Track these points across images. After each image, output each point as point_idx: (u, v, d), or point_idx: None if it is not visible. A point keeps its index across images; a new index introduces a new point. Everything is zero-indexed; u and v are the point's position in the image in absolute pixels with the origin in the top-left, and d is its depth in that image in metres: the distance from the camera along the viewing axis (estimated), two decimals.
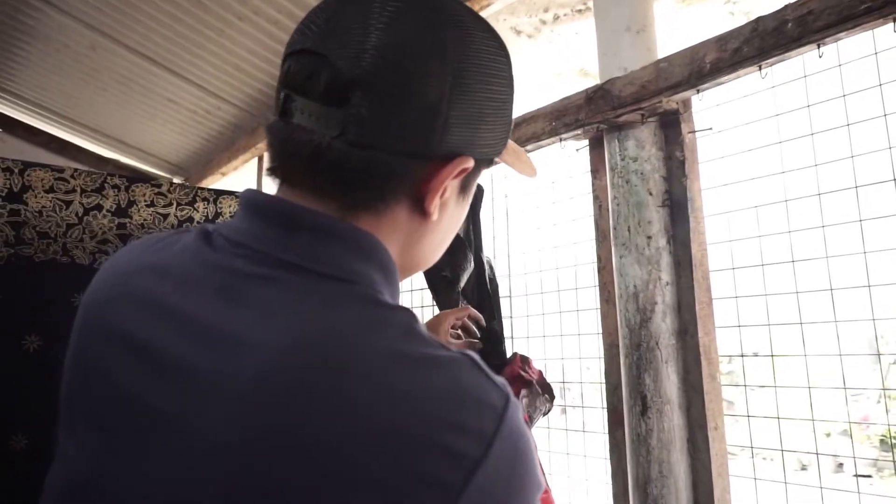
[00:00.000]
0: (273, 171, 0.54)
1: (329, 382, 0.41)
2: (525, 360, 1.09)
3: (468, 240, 1.48)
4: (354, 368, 0.42)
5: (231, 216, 1.56)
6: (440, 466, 0.41)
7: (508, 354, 1.13)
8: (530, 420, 1.03)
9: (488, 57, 0.53)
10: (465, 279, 1.36)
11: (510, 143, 0.64)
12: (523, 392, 1.04)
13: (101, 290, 0.56)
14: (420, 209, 0.54)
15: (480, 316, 1.09)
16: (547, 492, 0.89)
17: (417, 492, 0.40)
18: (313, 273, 0.49)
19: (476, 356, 0.47)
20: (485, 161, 0.58)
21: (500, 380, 0.46)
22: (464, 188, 0.59)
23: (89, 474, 0.49)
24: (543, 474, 0.86)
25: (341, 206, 0.51)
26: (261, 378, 0.42)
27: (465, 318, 1.06)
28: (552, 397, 1.05)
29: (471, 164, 0.54)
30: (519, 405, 0.48)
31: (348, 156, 0.49)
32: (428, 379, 0.43)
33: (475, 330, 1.09)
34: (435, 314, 1.07)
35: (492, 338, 1.11)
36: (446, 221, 0.59)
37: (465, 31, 0.52)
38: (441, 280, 1.21)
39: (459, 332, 1.09)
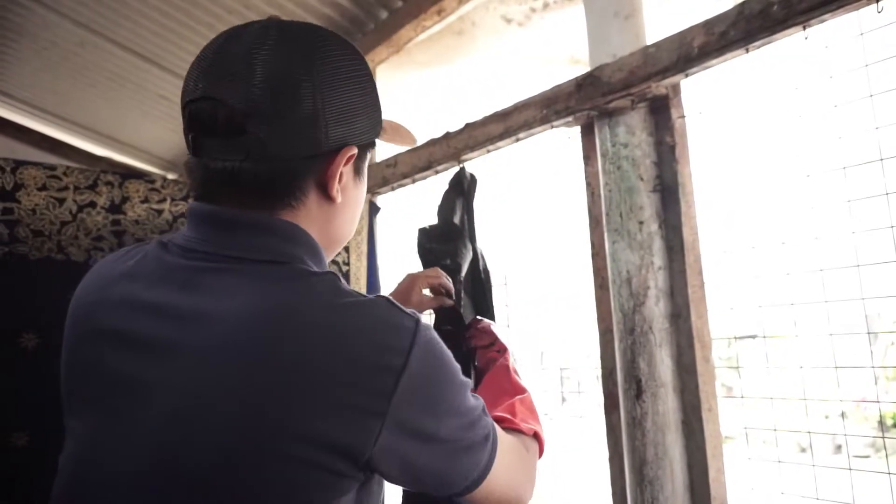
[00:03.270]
0: (199, 198, 0.66)
1: (283, 333, 0.56)
2: (478, 321, 1.19)
3: (463, 228, 1.49)
4: (300, 319, 0.57)
5: None
6: (373, 376, 0.56)
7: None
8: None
9: (346, 65, 0.67)
10: (465, 268, 1.37)
11: (386, 122, 0.79)
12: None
13: (84, 297, 0.69)
14: (326, 196, 0.69)
15: (449, 281, 1.22)
16: (526, 393, 0.95)
17: (358, 396, 0.56)
18: (254, 261, 0.63)
19: (390, 297, 0.63)
20: (367, 145, 0.74)
21: (410, 310, 0.62)
22: (357, 171, 0.74)
23: (92, 451, 0.61)
24: (515, 380, 0.98)
25: (264, 208, 0.65)
26: (230, 340, 0.56)
27: (435, 281, 1.20)
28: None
29: (355, 151, 0.69)
30: (429, 326, 0.63)
31: (257, 172, 0.63)
32: (354, 317, 0.59)
33: (445, 290, 1.21)
34: (408, 274, 1.22)
35: (457, 299, 1.25)
36: (351, 200, 0.74)
37: (322, 50, 0.65)
38: (444, 270, 1.27)
39: (430, 291, 1.22)
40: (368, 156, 0.76)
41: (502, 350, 1.08)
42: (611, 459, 1.55)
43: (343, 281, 0.64)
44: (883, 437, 1.30)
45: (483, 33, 2.63)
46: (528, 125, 1.66)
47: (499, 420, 0.81)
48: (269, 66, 0.61)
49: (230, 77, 0.61)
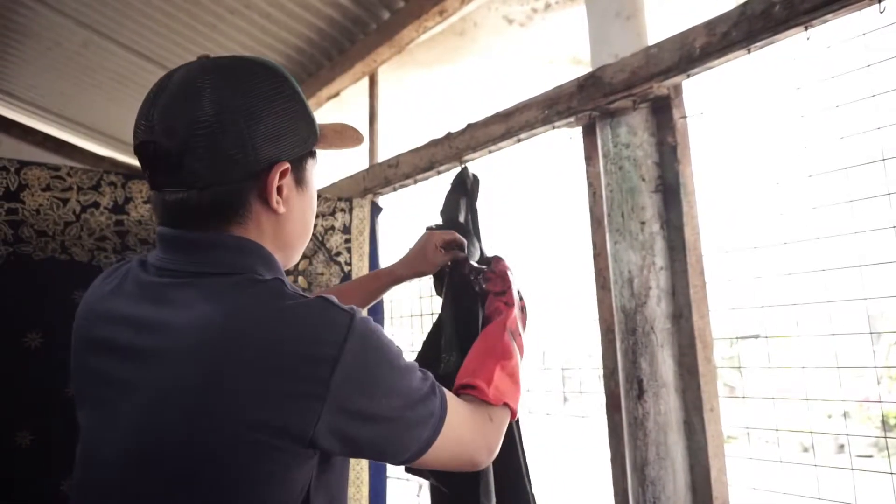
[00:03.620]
0: (163, 223, 0.76)
1: (230, 335, 0.66)
2: (498, 261, 1.25)
3: (468, 227, 1.50)
4: (244, 322, 0.66)
5: None
6: (310, 366, 0.65)
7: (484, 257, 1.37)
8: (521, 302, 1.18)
9: (265, 92, 0.74)
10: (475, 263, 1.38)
11: (327, 128, 0.88)
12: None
13: (82, 311, 0.81)
14: (271, 209, 0.77)
15: (462, 239, 1.32)
16: (512, 358, 1.01)
17: (298, 384, 0.65)
18: (211, 274, 0.72)
19: (330, 296, 0.72)
20: (302, 157, 0.81)
21: (347, 306, 0.71)
22: (298, 182, 0.81)
23: (92, 439, 0.73)
24: (506, 342, 1.04)
25: (217, 227, 0.74)
26: (187, 344, 0.66)
27: (449, 237, 1.31)
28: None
29: (287, 165, 0.77)
30: (367, 318, 0.73)
31: (203, 199, 0.72)
32: (292, 316, 0.67)
33: (457, 245, 1.31)
34: (424, 233, 1.33)
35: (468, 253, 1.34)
36: (296, 209, 0.81)
37: (243, 83, 0.73)
38: None
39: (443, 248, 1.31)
40: (309, 166, 0.83)
41: (509, 303, 1.14)
42: (613, 459, 1.55)
43: (289, 285, 0.74)
44: (885, 437, 1.30)
45: (485, 34, 2.63)
46: (529, 125, 1.67)
47: (474, 387, 0.93)
48: (195, 107, 0.70)
49: (163, 121, 0.70)
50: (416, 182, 2.08)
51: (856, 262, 1.24)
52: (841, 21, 1.16)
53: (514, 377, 0.99)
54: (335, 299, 0.71)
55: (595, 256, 1.61)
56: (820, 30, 1.19)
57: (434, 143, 1.96)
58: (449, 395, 0.81)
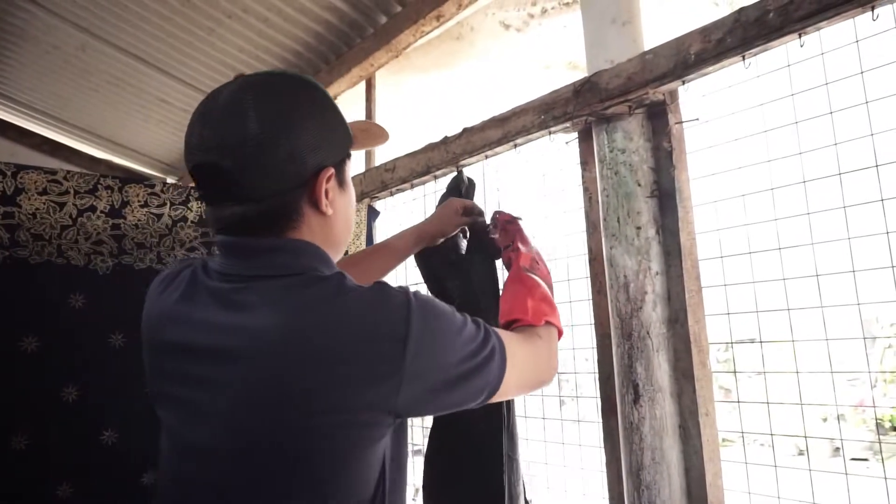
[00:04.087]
0: (222, 232, 0.81)
1: (306, 331, 0.71)
2: (499, 215, 1.36)
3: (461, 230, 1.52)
4: (317, 317, 0.72)
5: None
6: (383, 347, 0.72)
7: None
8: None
9: (305, 101, 0.80)
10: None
11: (355, 127, 0.91)
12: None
13: (150, 319, 0.85)
14: (320, 211, 0.82)
15: (480, 207, 1.43)
16: (539, 285, 1.11)
17: (377, 366, 0.71)
18: (276, 276, 0.78)
19: (383, 280, 0.82)
20: (342, 160, 0.86)
21: (398, 286, 0.78)
22: (340, 183, 0.86)
23: (181, 437, 0.79)
24: (526, 277, 1.12)
25: (273, 233, 0.80)
26: (268, 343, 0.71)
27: (469, 203, 1.42)
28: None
29: (332, 170, 0.82)
30: (417, 290, 0.79)
31: (259, 210, 0.78)
32: (357, 305, 0.74)
33: (476, 211, 1.42)
34: (447, 200, 1.44)
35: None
36: (341, 208, 0.87)
37: (279, 96, 0.78)
38: (450, 265, 1.46)
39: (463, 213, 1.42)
40: (347, 167, 0.89)
41: (516, 249, 1.23)
42: (608, 464, 1.55)
43: (349, 277, 0.79)
44: (879, 442, 1.31)
45: (482, 38, 2.64)
46: (525, 130, 1.67)
47: (516, 321, 1.03)
48: (245, 126, 0.75)
49: (217, 142, 0.75)
50: (412, 186, 2.08)
51: (850, 267, 1.24)
52: (835, 28, 1.17)
53: (546, 300, 1.08)
54: (388, 283, 0.79)
55: (591, 261, 1.62)
56: (814, 37, 1.19)
57: (431, 148, 1.96)
58: (500, 330, 0.88)
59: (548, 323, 1.04)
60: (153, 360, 0.84)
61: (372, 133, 0.99)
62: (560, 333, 1.06)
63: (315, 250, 0.82)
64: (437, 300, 0.81)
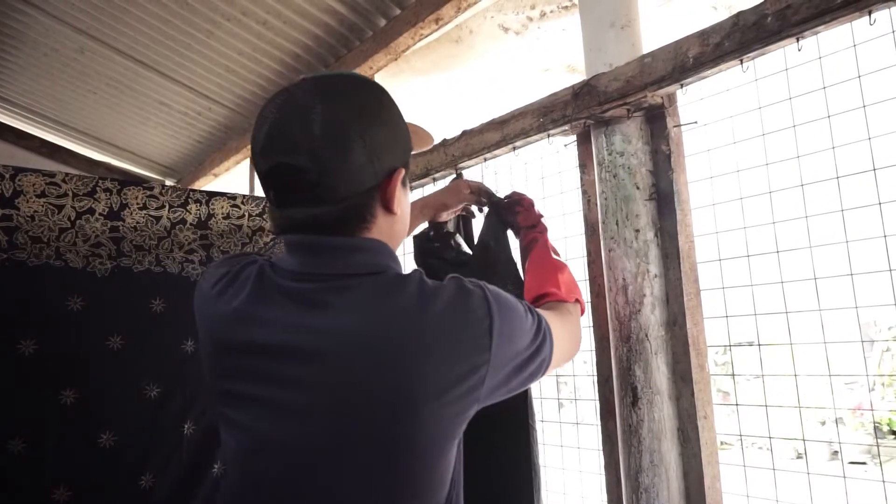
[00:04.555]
0: (288, 231, 0.81)
1: (402, 328, 0.74)
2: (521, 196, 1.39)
3: (458, 230, 1.53)
4: (409, 313, 0.75)
5: (224, 217, 1.57)
6: (475, 341, 0.75)
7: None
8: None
9: (377, 105, 0.81)
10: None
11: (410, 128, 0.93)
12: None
13: (213, 319, 0.84)
14: (389, 211, 0.83)
15: (487, 187, 1.46)
16: (565, 267, 1.19)
17: (470, 358, 0.75)
18: (359, 275, 0.79)
19: (456, 275, 0.82)
20: (408, 160, 0.87)
21: (472, 280, 0.81)
22: (403, 183, 0.87)
23: (262, 432, 0.78)
24: (554, 258, 1.21)
25: (347, 233, 0.80)
26: (366, 342, 0.73)
27: (475, 183, 1.46)
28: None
29: (403, 171, 0.84)
30: (486, 283, 0.82)
31: (334, 212, 0.78)
32: (446, 301, 0.76)
33: (483, 190, 1.45)
34: (455, 180, 1.55)
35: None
36: (405, 207, 0.88)
37: (360, 100, 0.80)
38: (446, 262, 1.50)
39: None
40: (408, 167, 0.91)
41: (543, 231, 1.29)
42: (607, 467, 1.55)
43: (421, 272, 0.82)
44: (877, 445, 1.31)
45: (480, 41, 2.64)
46: (524, 133, 1.67)
47: (548, 294, 1.10)
48: (325, 128, 0.75)
49: (296, 145, 0.75)
50: (411, 189, 2.08)
51: (848, 270, 1.25)
52: (832, 32, 1.17)
53: (572, 281, 1.17)
54: (461, 277, 0.82)
55: (589, 264, 1.62)
56: (811, 41, 1.20)
57: (429, 150, 1.96)
58: (539, 310, 0.91)
59: (576, 301, 1.12)
60: (220, 360, 0.83)
61: (420, 136, 1.00)
62: (583, 310, 1.14)
63: (387, 248, 0.84)
64: (501, 290, 0.84)
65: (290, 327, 0.77)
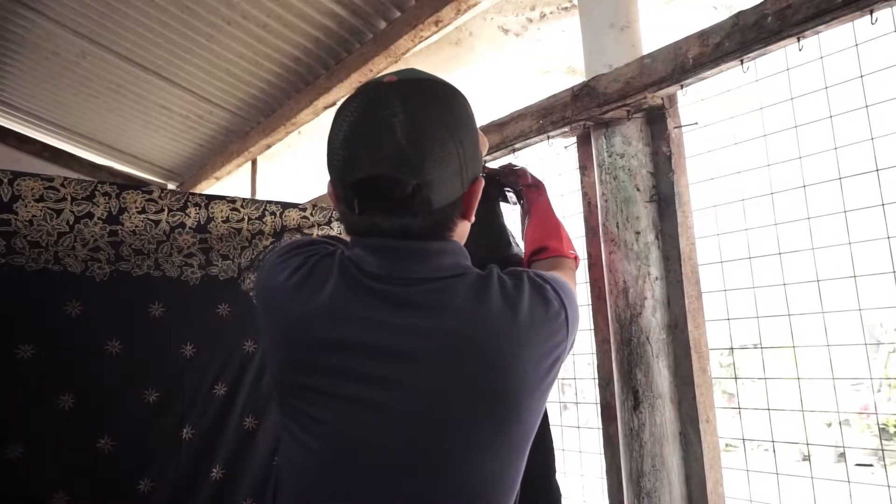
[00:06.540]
0: (366, 235, 0.80)
1: (494, 326, 0.75)
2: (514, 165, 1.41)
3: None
4: (496, 312, 0.76)
5: (224, 220, 1.57)
6: (556, 326, 0.79)
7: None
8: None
9: (462, 113, 0.79)
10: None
11: None
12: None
13: (289, 314, 0.83)
14: (466, 218, 0.84)
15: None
16: (562, 224, 1.23)
17: (555, 346, 0.78)
18: (447, 277, 0.80)
19: (523, 269, 0.84)
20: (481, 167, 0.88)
21: (533, 271, 0.84)
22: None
23: (356, 431, 0.77)
24: (555, 216, 1.25)
25: (431, 239, 0.80)
26: (464, 341, 0.75)
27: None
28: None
29: (482, 180, 0.84)
30: (543, 272, 0.86)
31: (425, 223, 0.78)
32: (527, 297, 0.78)
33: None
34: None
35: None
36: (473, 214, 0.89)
37: (449, 107, 0.78)
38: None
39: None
40: None
41: (541, 188, 1.32)
42: (608, 471, 1.54)
43: (496, 269, 0.83)
44: (882, 449, 1.30)
45: (480, 43, 2.64)
46: (524, 135, 1.67)
47: (550, 247, 1.15)
48: (421, 137, 0.74)
49: (392, 154, 0.73)
50: None
51: (851, 272, 1.23)
52: (834, 32, 1.16)
53: (569, 238, 1.21)
54: (527, 269, 0.84)
55: (590, 266, 1.61)
56: (812, 41, 1.19)
57: None
58: (553, 274, 0.92)
59: (575, 258, 1.18)
60: (298, 355, 0.82)
61: (483, 141, 1.01)
62: (577, 264, 1.18)
63: (463, 249, 0.86)
64: (558, 276, 0.87)
65: (382, 326, 0.77)
